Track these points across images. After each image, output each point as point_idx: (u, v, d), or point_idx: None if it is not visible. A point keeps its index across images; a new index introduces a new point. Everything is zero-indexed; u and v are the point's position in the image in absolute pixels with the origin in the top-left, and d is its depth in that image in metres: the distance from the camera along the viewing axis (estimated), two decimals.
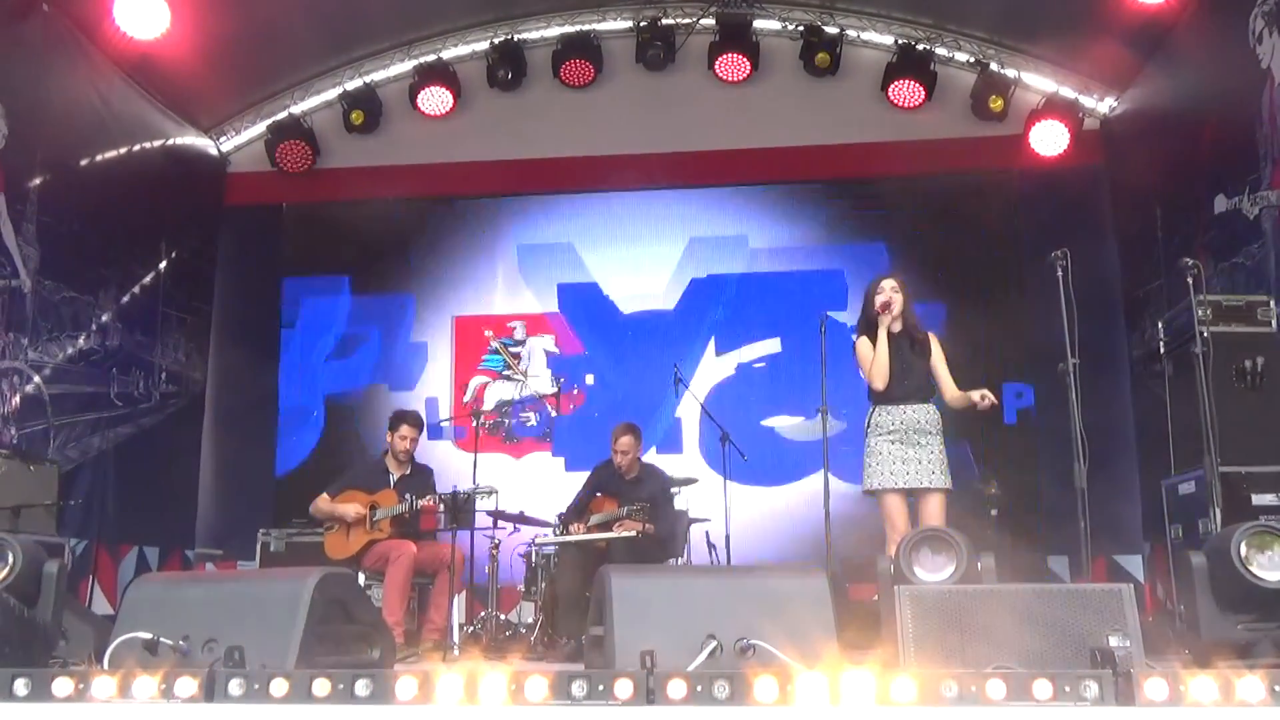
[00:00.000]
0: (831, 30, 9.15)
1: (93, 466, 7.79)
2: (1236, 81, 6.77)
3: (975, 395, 5.30)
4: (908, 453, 5.20)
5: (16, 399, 7.00)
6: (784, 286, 9.13)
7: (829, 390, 5.92)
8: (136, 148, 8.52)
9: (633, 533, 6.36)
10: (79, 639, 4.08)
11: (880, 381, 5.32)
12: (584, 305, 9.17)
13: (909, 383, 5.32)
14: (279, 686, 2.58)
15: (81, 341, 7.74)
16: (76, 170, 7.76)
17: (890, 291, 5.42)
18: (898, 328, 5.41)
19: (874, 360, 5.33)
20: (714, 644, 2.95)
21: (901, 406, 5.28)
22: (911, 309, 5.48)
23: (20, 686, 2.59)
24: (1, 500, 5.87)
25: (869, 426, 5.37)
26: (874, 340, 5.38)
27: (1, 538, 3.58)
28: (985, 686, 2.47)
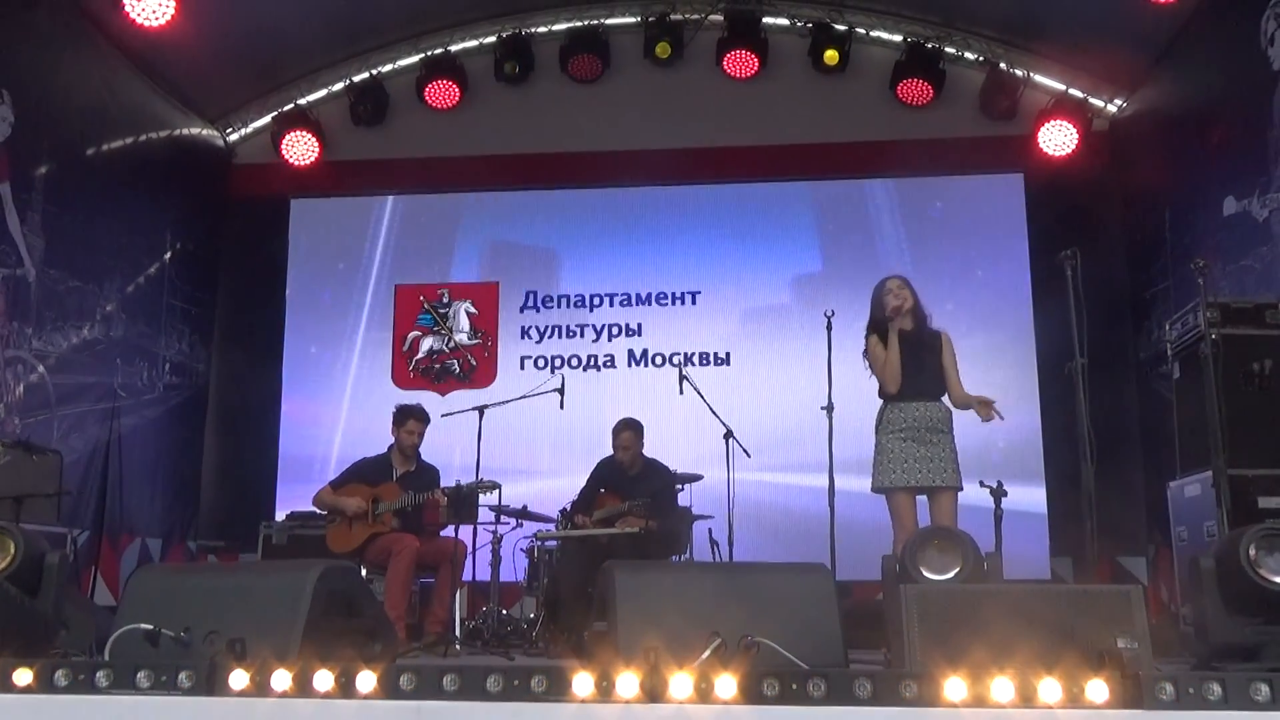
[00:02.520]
0: (840, 27, 9.12)
1: (96, 457, 7.78)
2: (1247, 83, 6.74)
3: (979, 402, 5.28)
4: (919, 450, 5.16)
5: (20, 388, 7.00)
6: (790, 283, 9.12)
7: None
8: (143, 138, 8.52)
9: (636, 529, 6.34)
10: (80, 630, 4.07)
11: (893, 385, 5.29)
12: (585, 298, 9.31)
13: (920, 380, 5.28)
14: (280, 679, 2.56)
15: (86, 331, 7.73)
16: (83, 159, 7.75)
17: (898, 290, 5.38)
18: (909, 326, 5.39)
19: (886, 363, 5.30)
20: (718, 641, 2.93)
21: (913, 404, 5.24)
22: (921, 307, 5.46)
23: (20, 677, 2.58)
24: (4, 490, 5.84)
25: (880, 424, 5.33)
26: (885, 341, 5.35)
27: (3, 526, 3.56)
28: (991, 687, 2.45)
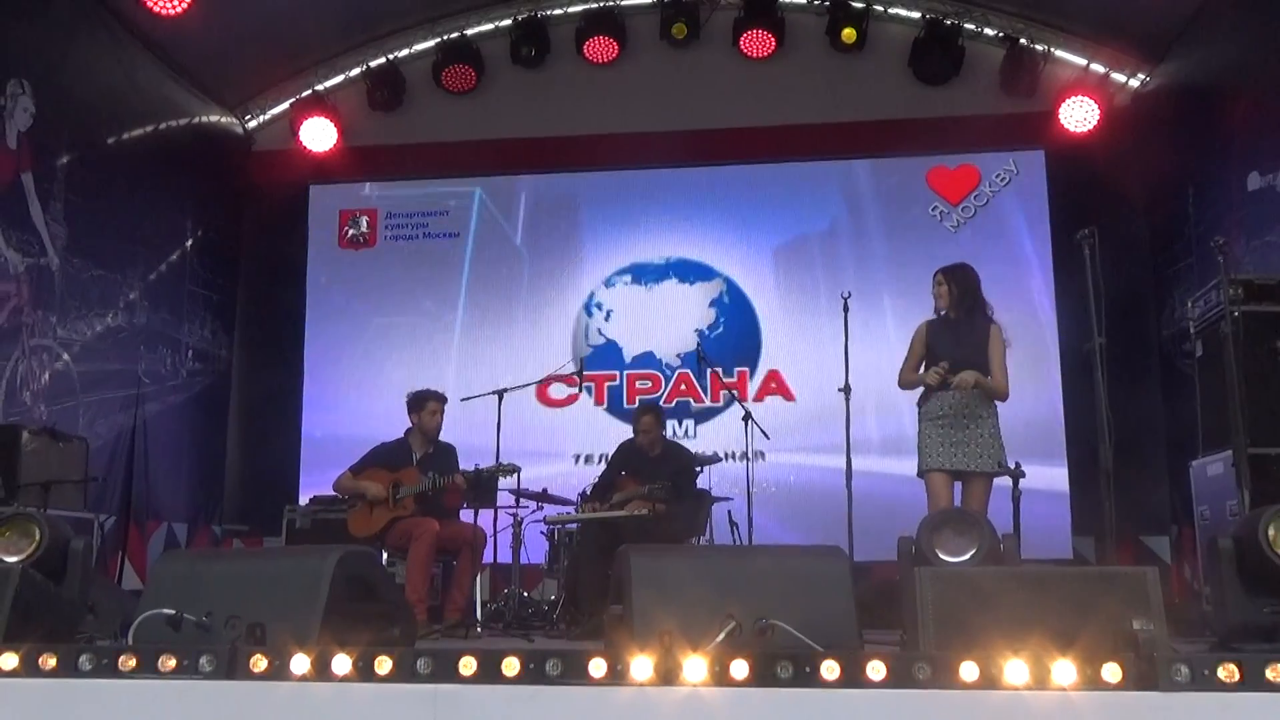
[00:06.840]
0: (858, 5, 9.03)
1: (121, 443, 7.87)
2: (1271, 57, 6.65)
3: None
4: (957, 435, 5.34)
5: (46, 376, 7.08)
6: (808, 264, 9.09)
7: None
8: (162, 126, 8.56)
9: (643, 511, 6.35)
10: (108, 614, 4.13)
11: (902, 385, 5.60)
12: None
13: (958, 369, 5.41)
14: (300, 664, 2.59)
15: (109, 319, 7.81)
16: (103, 148, 7.80)
17: (934, 286, 5.60)
18: (953, 316, 5.55)
19: (904, 361, 5.59)
20: (732, 624, 2.93)
21: (951, 391, 5.39)
22: (968, 297, 5.57)
23: (45, 662, 2.62)
24: (32, 476, 5.93)
25: (921, 413, 5.52)
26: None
27: (28, 514, 3.61)
28: (1006, 669, 2.45)
